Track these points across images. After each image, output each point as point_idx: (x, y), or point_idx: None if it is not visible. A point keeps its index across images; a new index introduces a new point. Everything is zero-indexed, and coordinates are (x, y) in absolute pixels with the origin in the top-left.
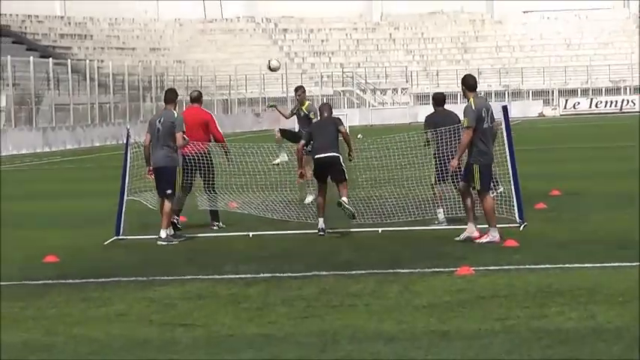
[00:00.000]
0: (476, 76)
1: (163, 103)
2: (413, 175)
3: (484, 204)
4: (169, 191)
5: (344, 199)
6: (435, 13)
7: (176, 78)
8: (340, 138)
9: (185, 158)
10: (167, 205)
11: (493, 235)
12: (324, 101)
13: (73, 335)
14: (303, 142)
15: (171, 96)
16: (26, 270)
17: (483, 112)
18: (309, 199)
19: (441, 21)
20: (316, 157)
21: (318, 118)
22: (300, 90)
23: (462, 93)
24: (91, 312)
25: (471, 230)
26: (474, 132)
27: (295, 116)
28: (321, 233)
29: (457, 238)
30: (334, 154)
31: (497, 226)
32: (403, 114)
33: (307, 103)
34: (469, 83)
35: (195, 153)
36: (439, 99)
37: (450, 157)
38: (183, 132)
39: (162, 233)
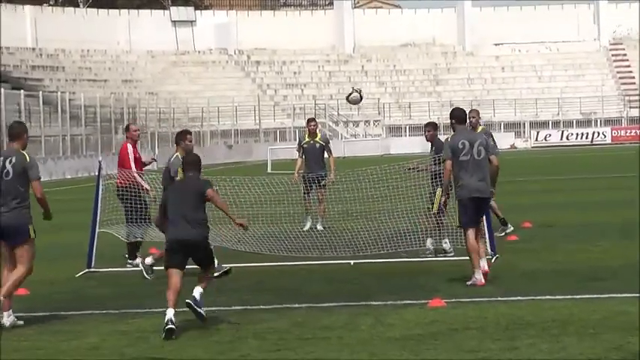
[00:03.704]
0: (448, 108)
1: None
2: (385, 207)
3: (465, 241)
4: None
5: (196, 292)
6: (407, 45)
7: (148, 110)
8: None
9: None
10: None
11: (475, 278)
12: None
13: None
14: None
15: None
16: None
17: (460, 144)
18: (308, 225)
19: (413, 53)
20: (170, 237)
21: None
22: (313, 121)
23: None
24: (62, 345)
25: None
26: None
27: (304, 151)
28: (170, 326)
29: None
30: (197, 236)
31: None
32: (375, 146)
33: (320, 134)
34: (454, 116)
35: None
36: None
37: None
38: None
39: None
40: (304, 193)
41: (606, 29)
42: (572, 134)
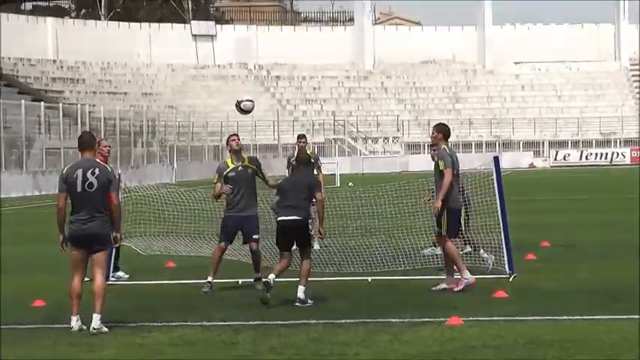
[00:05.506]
0: (467, 125)
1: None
2: (403, 224)
3: (449, 249)
4: None
5: (300, 293)
6: (426, 62)
7: (168, 123)
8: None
9: None
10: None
11: (466, 279)
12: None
13: None
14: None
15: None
16: (14, 314)
17: (454, 157)
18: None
19: (433, 70)
20: (280, 219)
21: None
22: (303, 138)
23: (433, 142)
24: (79, 357)
25: (450, 281)
26: None
27: (292, 168)
28: (266, 279)
29: (433, 288)
30: (300, 217)
31: (488, 276)
32: (394, 163)
33: (310, 150)
34: (444, 131)
35: None
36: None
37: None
38: None
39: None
40: None
41: (627, 49)
42: (591, 154)
